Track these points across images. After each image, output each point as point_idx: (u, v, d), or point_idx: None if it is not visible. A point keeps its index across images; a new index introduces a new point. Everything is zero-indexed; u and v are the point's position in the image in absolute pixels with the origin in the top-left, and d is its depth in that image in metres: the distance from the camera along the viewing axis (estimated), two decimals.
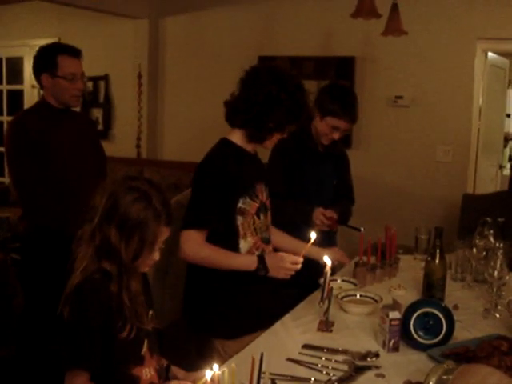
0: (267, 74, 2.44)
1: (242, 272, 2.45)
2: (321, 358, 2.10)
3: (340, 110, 3.13)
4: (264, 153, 2.77)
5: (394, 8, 3.89)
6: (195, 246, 2.39)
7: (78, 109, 3.60)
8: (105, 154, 3.52)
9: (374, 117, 5.33)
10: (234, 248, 2.46)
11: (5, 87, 7.60)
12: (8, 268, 3.73)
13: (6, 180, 6.79)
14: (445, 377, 1.69)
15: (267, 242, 2.60)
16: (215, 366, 1.56)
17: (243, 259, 2.48)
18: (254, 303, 2.53)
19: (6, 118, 7.32)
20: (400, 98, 5.27)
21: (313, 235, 2.45)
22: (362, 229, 2.99)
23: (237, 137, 2.50)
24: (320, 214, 3.14)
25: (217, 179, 2.40)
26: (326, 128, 3.18)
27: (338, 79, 5.40)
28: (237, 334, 2.44)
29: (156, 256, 1.86)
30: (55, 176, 3.12)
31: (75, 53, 3.19)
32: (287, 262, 2.44)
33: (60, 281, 3.11)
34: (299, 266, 2.45)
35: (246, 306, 2.51)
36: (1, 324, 3.94)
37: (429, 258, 2.68)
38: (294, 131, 2.62)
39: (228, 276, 2.45)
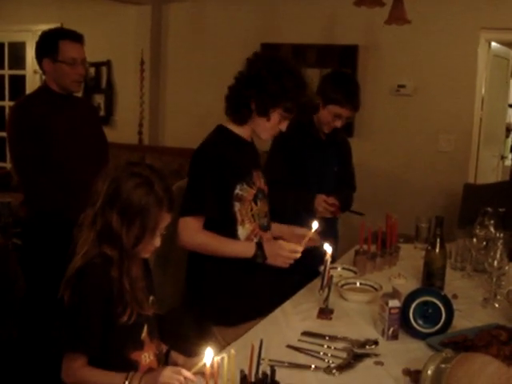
0: (260, 57, 2.48)
1: (242, 259, 2.45)
2: (320, 346, 2.11)
3: (343, 97, 3.12)
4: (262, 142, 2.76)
5: None
6: (192, 232, 2.39)
7: (79, 94, 3.59)
8: (107, 140, 3.52)
9: (377, 105, 5.32)
10: (233, 235, 2.46)
11: (7, 72, 7.57)
12: (9, 253, 3.73)
13: (8, 165, 6.80)
14: (443, 365, 1.70)
15: (265, 228, 2.60)
16: (214, 352, 1.57)
17: (241, 246, 2.47)
18: (254, 290, 2.53)
19: (7, 103, 7.30)
20: (402, 86, 5.26)
21: (314, 225, 2.45)
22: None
23: (232, 124, 2.50)
24: (322, 201, 3.14)
25: (213, 165, 2.39)
26: (328, 116, 3.18)
27: (341, 67, 5.39)
28: (236, 321, 2.44)
29: (157, 242, 1.86)
30: (57, 161, 3.12)
31: (77, 38, 3.18)
32: (286, 250, 2.43)
33: (61, 266, 3.13)
34: (298, 255, 2.44)
35: (246, 293, 2.51)
36: (2, 308, 3.96)
37: (429, 247, 2.69)
38: (296, 119, 2.60)
39: (228, 263, 2.44)
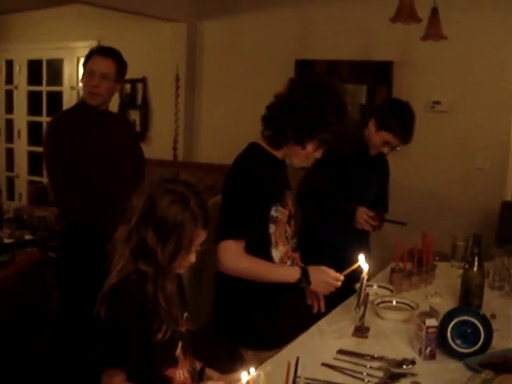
0: (304, 82, 2.41)
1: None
2: (356, 364, 2.08)
3: (398, 128, 3.14)
4: None
5: (434, 12, 3.85)
6: (235, 257, 2.31)
7: (115, 111, 3.63)
8: (144, 157, 3.55)
9: None
10: (267, 257, 2.40)
11: (44, 89, 7.71)
12: (46, 266, 3.78)
13: (45, 180, 6.90)
14: None
15: (295, 250, 2.56)
16: (251, 369, 1.55)
17: (286, 271, 2.43)
18: (290, 313, 2.48)
19: (45, 119, 7.43)
20: (438, 103, 5.21)
21: (361, 258, 2.39)
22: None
23: (266, 144, 2.44)
24: (364, 214, 3.15)
25: (251, 186, 2.33)
26: (378, 141, 3.19)
27: (376, 84, 5.38)
28: (271, 345, 2.32)
29: (192, 258, 1.86)
30: (91, 176, 3.15)
31: (103, 52, 3.24)
32: (331, 278, 2.40)
33: (95, 280, 3.15)
34: (340, 284, 2.42)
35: (282, 316, 2.45)
36: (38, 321, 4.00)
37: (467, 266, 2.64)
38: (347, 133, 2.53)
39: (262, 286, 2.38)
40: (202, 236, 1.85)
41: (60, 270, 3.41)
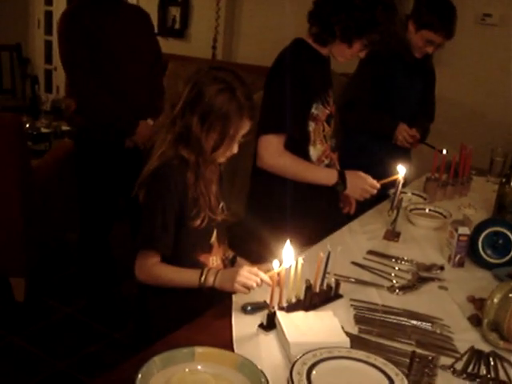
0: None
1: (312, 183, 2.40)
2: (385, 265, 2.12)
3: (437, 23, 3.01)
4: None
5: None
6: (275, 152, 2.31)
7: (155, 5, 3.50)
8: (160, 49, 3.47)
9: (458, 34, 5.03)
10: (304, 155, 2.39)
11: None
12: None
13: None
14: (511, 295, 1.68)
15: (334, 150, 2.54)
16: (284, 259, 1.59)
17: (324, 173, 2.42)
18: (322, 216, 2.48)
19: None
20: (488, 15, 5.01)
21: (400, 169, 2.39)
22: (445, 151, 2.94)
23: (312, 41, 2.39)
24: (403, 131, 3.12)
25: (294, 81, 2.28)
26: (420, 41, 3.09)
27: None
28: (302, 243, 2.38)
29: (235, 149, 1.85)
30: (107, 65, 3.11)
31: None
32: (367, 184, 2.40)
33: (113, 176, 3.19)
34: (375, 192, 2.42)
35: (313, 215, 2.45)
36: (71, 209, 4.10)
37: (504, 180, 2.62)
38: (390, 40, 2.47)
39: (297, 186, 2.38)
40: (246, 126, 1.84)
41: (78, 167, 3.39)
